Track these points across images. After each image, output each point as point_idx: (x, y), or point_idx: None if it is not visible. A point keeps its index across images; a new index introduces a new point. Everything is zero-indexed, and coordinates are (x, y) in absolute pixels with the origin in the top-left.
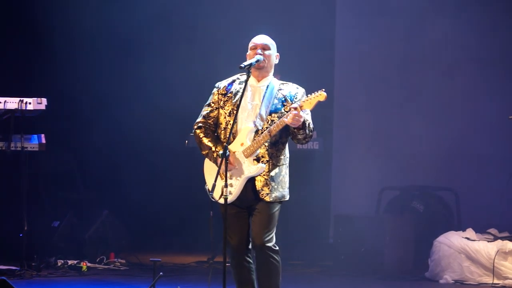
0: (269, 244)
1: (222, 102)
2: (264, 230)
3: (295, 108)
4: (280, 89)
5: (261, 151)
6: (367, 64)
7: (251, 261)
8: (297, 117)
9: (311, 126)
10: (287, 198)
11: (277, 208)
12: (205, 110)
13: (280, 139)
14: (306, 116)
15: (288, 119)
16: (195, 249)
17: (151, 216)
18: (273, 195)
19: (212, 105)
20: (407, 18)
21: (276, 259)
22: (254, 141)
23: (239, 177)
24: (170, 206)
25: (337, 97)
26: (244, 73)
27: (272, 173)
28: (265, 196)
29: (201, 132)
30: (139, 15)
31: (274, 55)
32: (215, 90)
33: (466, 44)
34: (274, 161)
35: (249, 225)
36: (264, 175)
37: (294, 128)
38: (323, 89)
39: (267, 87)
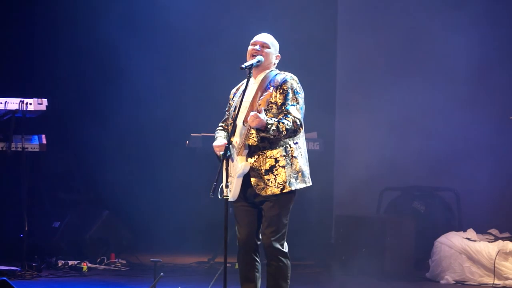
0: (276, 245)
1: (230, 106)
2: (269, 229)
3: (257, 109)
4: (273, 80)
5: (253, 146)
6: (369, 64)
7: (257, 259)
8: (253, 118)
9: (286, 124)
10: (296, 186)
11: (285, 206)
12: (224, 116)
13: None
14: (293, 110)
15: (248, 120)
16: (196, 250)
17: (151, 217)
18: (269, 189)
19: (226, 111)
20: (410, 17)
21: (282, 261)
22: (240, 138)
23: (233, 175)
24: (170, 206)
25: (339, 98)
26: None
27: (267, 166)
28: (261, 191)
29: (217, 133)
30: (140, 16)
31: (273, 55)
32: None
33: (466, 47)
34: (268, 154)
35: (258, 222)
36: (256, 170)
37: (257, 130)
38: (272, 87)
39: (260, 81)
